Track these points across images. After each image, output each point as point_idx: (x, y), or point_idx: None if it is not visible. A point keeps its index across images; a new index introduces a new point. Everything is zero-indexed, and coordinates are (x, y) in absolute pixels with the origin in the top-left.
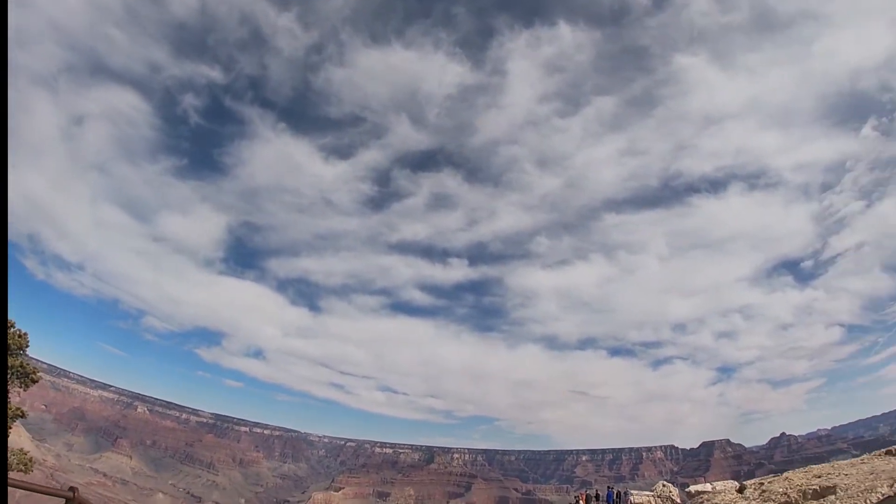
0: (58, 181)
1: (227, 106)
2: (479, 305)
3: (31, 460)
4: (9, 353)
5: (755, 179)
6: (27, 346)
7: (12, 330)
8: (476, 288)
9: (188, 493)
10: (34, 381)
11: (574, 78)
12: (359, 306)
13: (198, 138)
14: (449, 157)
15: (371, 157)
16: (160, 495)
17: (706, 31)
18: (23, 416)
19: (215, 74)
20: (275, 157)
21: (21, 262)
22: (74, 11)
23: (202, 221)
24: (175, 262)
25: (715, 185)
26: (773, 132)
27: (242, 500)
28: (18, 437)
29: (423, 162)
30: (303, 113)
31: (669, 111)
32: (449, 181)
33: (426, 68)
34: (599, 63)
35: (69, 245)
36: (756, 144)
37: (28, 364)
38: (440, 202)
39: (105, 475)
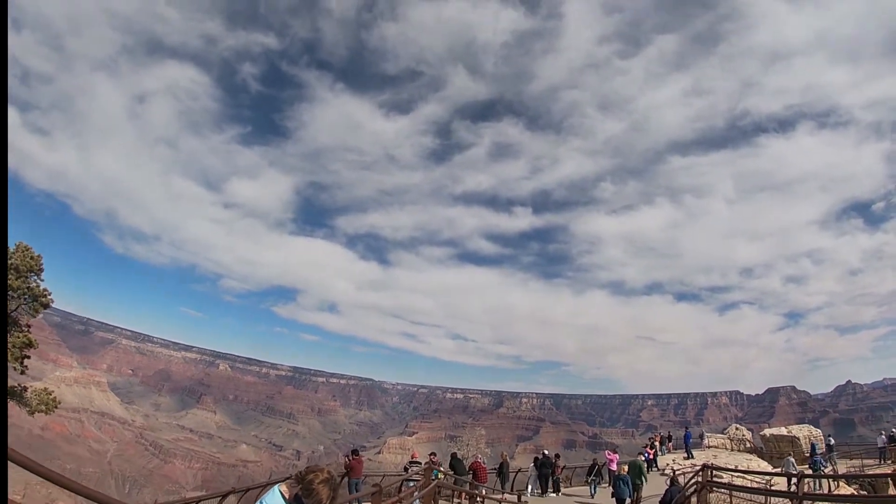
0: (129, 158)
1: (284, 71)
2: (544, 253)
3: (53, 399)
4: (19, 275)
5: (825, 118)
6: (41, 270)
7: (25, 252)
8: (541, 236)
9: (270, 442)
10: (44, 306)
11: (633, 17)
12: (427, 258)
13: (259, 105)
14: (508, 105)
15: (430, 110)
16: (243, 446)
17: None
18: (31, 345)
19: (270, 41)
20: (335, 117)
21: (99, 237)
22: None
23: (270, 185)
24: (247, 226)
25: (783, 124)
26: (843, 68)
27: (321, 447)
28: (108, 400)
29: (483, 112)
30: (359, 71)
31: (734, 48)
32: (510, 130)
33: (479, 16)
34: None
35: (145, 218)
36: (825, 81)
37: (38, 286)
38: (502, 151)
39: (191, 431)
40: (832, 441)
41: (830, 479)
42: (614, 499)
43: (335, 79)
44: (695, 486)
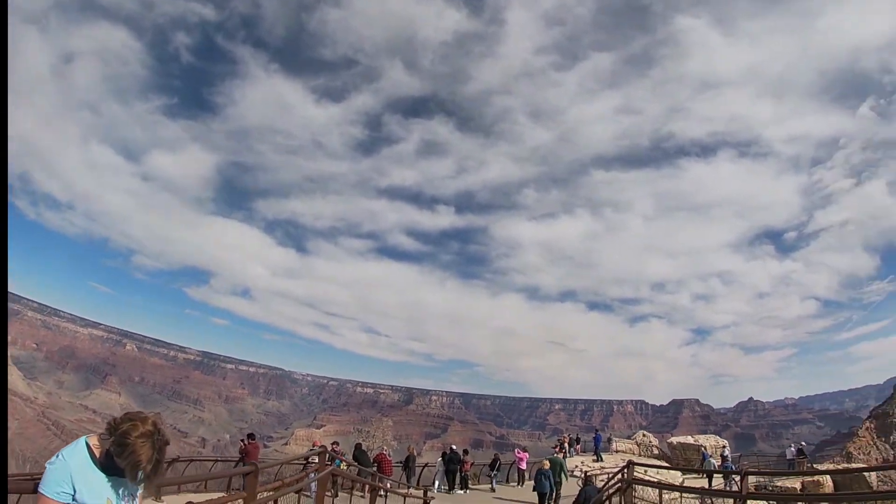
0: (48, 120)
1: (219, 45)
2: (463, 253)
3: None
4: None
5: (746, 147)
6: None
7: None
8: (462, 236)
9: (175, 428)
10: None
11: (573, 31)
12: (346, 249)
13: (189, 77)
14: (441, 104)
15: (363, 101)
16: None
17: None
18: None
19: (207, 12)
20: (266, 97)
21: (12, 201)
22: None
23: (192, 161)
24: (165, 202)
25: (705, 149)
26: (768, 102)
27: (227, 436)
28: (10, 374)
29: (416, 108)
30: (296, 54)
31: (666, 72)
32: (440, 128)
33: (423, 12)
34: (600, 18)
35: (60, 184)
36: (750, 113)
37: None
38: (430, 149)
39: (95, 412)
40: (727, 452)
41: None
42: (535, 492)
43: (270, 58)
44: (619, 485)
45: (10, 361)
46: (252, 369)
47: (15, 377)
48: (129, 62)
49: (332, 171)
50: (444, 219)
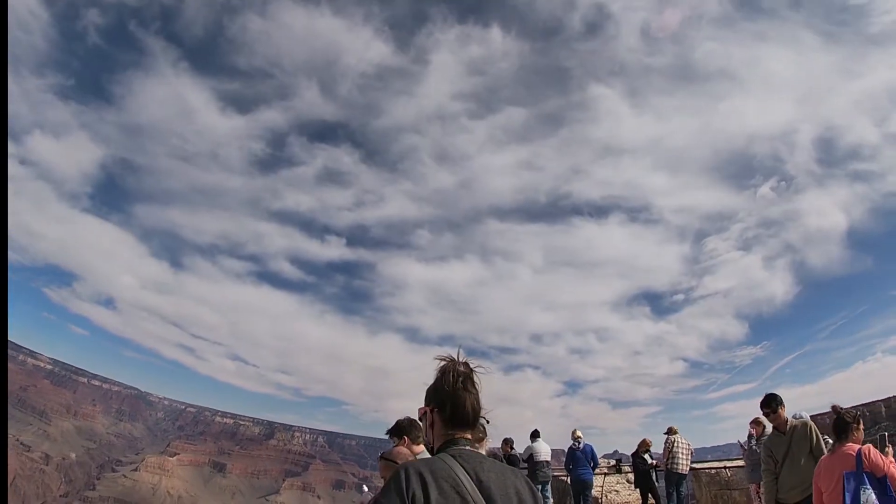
0: None
1: (130, 31)
2: (348, 287)
3: None
4: None
5: (637, 213)
6: None
7: None
8: (349, 269)
9: (17, 440)
10: None
11: (493, 83)
12: (224, 269)
13: (91, 59)
14: (351, 133)
15: (270, 116)
16: None
17: (627, 67)
18: None
19: None
20: (169, 95)
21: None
22: None
23: (76, 150)
24: (38, 190)
25: (599, 210)
26: (664, 173)
27: (73, 454)
28: None
29: (323, 133)
30: (209, 56)
31: (573, 134)
32: (345, 158)
33: (350, 40)
34: (521, 74)
35: None
36: (645, 181)
37: None
38: (331, 177)
39: None
40: None
41: None
42: None
43: (181, 56)
44: None
45: None
46: (106, 386)
47: None
48: (31, 31)
49: (224, 185)
50: (333, 250)
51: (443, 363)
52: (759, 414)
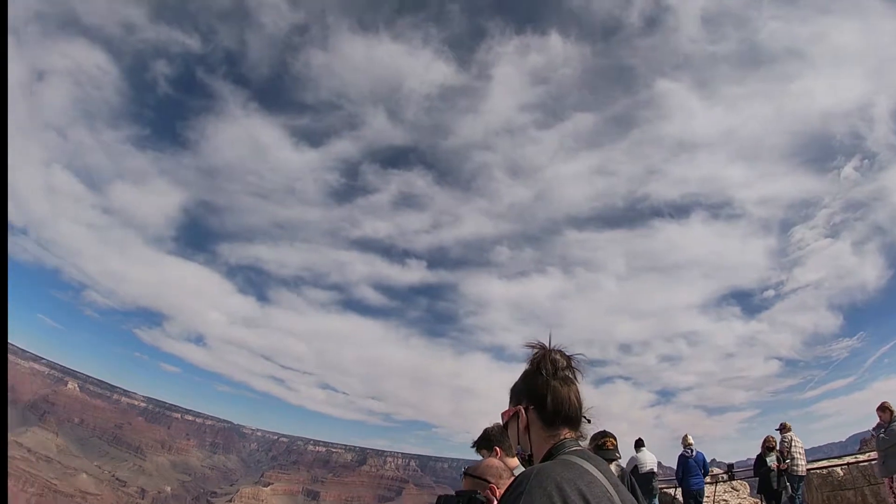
0: (12, 138)
1: (199, 78)
2: (431, 310)
3: None
4: None
5: (718, 209)
6: None
7: None
8: (431, 292)
9: (114, 476)
10: None
11: (558, 91)
12: (309, 300)
13: (163, 108)
14: (421, 156)
15: (342, 147)
16: (84, 476)
17: (692, 58)
18: None
19: (192, 43)
20: (242, 136)
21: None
22: None
23: (157, 196)
24: (123, 237)
25: (678, 210)
26: (742, 165)
27: (168, 488)
28: None
29: (395, 158)
30: (277, 94)
31: (645, 134)
32: (418, 181)
33: (411, 63)
34: (585, 78)
35: (16, 206)
36: (724, 175)
37: None
38: (407, 201)
39: (29, 451)
40: None
41: None
42: None
43: (250, 97)
44: None
45: None
46: (200, 420)
47: None
48: (102, 86)
49: (302, 217)
50: (414, 273)
51: (534, 352)
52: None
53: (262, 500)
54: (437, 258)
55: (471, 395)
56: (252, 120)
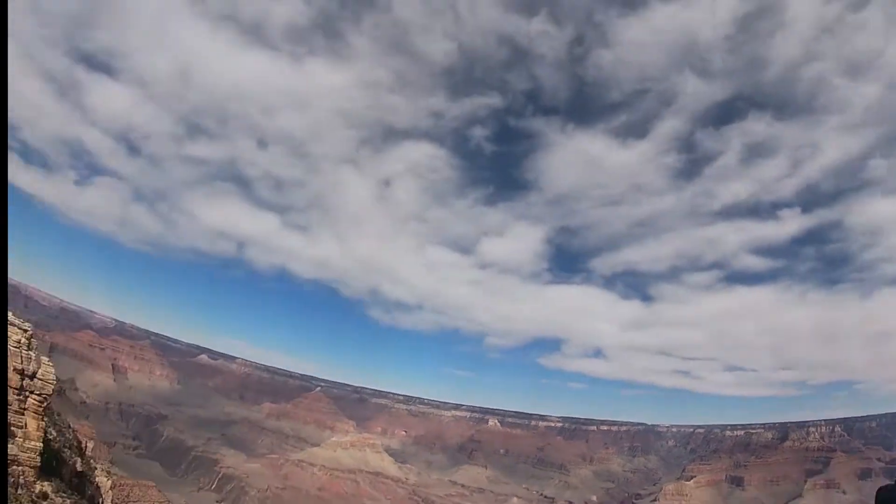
0: (383, 238)
1: (512, 126)
2: (820, 256)
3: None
4: None
5: None
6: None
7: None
8: (814, 237)
9: (541, 494)
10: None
11: None
12: (690, 286)
13: (495, 164)
14: (749, 99)
15: (668, 126)
16: (515, 499)
17: None
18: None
19: (493, 101)
20: (572, 157)
21: (367, 313)
22: (354, 97)
23: (520, 239)
24: (503, 283)
25: None
26: None
27: (594, 497)
28: (382, 461)
29: (724, 114)
30: (585, 107)
31: None
32: (757, 125)
33: (694, 14)
34: None
35: (406, 289)
36: None
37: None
38: (754, 152)
39: (463, 486)
40: None
41: None
42: None
43: (563, 120)
44: None
45: (381, 449)
46: (614, 428)
47: (387, 462)
48: (438, 169)
49: (658, 209)
50: (789, 224)
51: None
52: None
53: (686, 495)
54: (808, 199)
55: (890, 337)
56: (575, 140)
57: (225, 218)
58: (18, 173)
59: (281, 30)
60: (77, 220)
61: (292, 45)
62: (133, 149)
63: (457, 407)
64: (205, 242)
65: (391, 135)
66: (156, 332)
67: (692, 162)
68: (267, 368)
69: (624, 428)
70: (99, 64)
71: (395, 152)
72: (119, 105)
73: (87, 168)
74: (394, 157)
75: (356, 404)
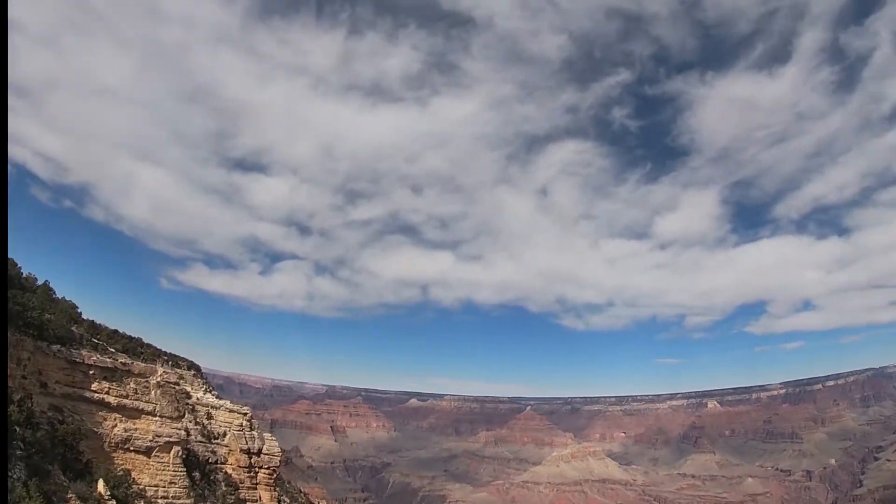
0: (557, 245)
1: (650, 95)
2: None
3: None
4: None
5: None
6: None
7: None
8: None
9: (776, 469)
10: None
11: None
12: (887, 205)
13: (646, 139)
14: None
15: (809, 40)
16: (749, 480)
17: None
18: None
19: (623, 77)
20: (722, 107)
21: (559, 323)
22: (488, 119)
23: (694, 208)
24: (689, 257)
25: None
26: None
27: (832, 461)
28: (606, 467)
29: (863, 6)
30: (718, 50)
31: None
32: None
33: None
34: None
35: (592, 290)
36: None
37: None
38: None
39: (693, 476)
40: None
41: None
42: None
43: (700, 72)
44: None
45: (603, 455)
46: (841, 381)
47: (611, 468)
48: (590, 161)
49: (827, 132)
50: None
51: None
52: None
53: None
54: None
55: None
56: (717, 87)
57: (403, 267)
58: (206, 279)
59: (399, 81)
60: (270, 304)
61: (415, 91)
62: (303, 229)
63: (672, 397)
64: (390, 294)
65: (534, 143)
66: (365, 387)
67: (847, 69)
68: (476, 399)
69: (851, 379)
70: (251, 165)
71: (543, 159)
72: (279, 194)
73: (267, 257)
74: (543, 164)
75: (570, 415)
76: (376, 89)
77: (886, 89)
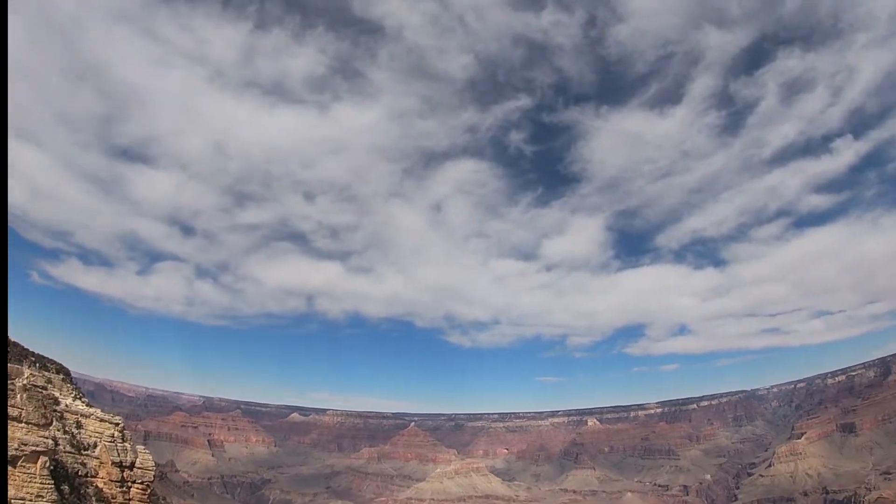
0: (447, 262)
1: (547, 122)
2: (884, 178)
3: None
4: None
5: None
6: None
7: None
8: (871, 160)
9: (654, 484)
10: None
11: None
12: (761, 241)
13: (540, 164)
14: (775, 38)
15: (701, 85)
16: (628, 494)
17: None
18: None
19: (523, 102)
20: (613, 140)
21: (446, 339)
22: (387, 131)
23: (581, 233)
24: (574, 280)
25: None
26: None
27: (707, 476)
28: (489, 483)
29: (753, 59)
30: (614, 86)
31: None
32: (789, 63)
33: None
34: None
35: (480, 308)
36: None
37: None
38: (792, 89)
39: (574, 492)
40: None
41: None
42: None
43: (596, 104)
44: None
45: (486, 471)
46: (715, 401)
47: (494, 483)
48: (485, 181)
49: (709, 170)
50: (845, 153)
51: None
52: None
53: (800, 453)
54: (857, 123)
55: None
56: (611, 120)
57: (289, 276)
58: (80, 276)
59: (301, 83)
60: (146, 307)
61: (316, 95)
62: (186, 229)
63: (553, 414)
64: (274, 303)
65: (432, 159)
66: (244, 400)
67: (733, 115)
68: (359, 414)
69: (724, 399)
70: (136, 155)
71: (439, 175)
72: (164, 189)
73: (147, 256)
74: (439, 180)
75: (453, 432)
76: (277, 89)
77: (768, 136)
